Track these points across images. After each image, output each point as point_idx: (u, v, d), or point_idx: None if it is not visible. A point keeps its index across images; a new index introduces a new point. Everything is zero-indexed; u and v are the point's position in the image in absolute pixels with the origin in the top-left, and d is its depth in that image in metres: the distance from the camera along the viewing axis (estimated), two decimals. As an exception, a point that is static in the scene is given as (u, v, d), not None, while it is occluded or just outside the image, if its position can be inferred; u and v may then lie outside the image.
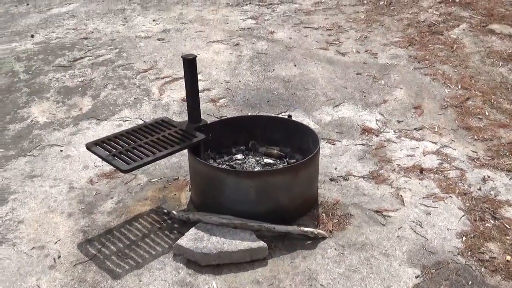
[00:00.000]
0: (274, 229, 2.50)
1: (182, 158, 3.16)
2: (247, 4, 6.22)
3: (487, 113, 3.64)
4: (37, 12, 6.28)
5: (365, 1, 6.09)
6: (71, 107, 3.88)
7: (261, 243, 2.40)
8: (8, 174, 3.12)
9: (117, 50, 4.83)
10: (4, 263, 2.40)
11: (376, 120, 3.61)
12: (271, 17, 5.71)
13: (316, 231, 2.50)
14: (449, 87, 4.01)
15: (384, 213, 2.67)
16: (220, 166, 2.83)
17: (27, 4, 6.64)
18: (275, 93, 4.02)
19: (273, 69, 4.39)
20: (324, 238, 2.50)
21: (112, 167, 3.03)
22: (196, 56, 2.74)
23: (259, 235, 2.46)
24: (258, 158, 2.95)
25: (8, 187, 2.99)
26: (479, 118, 3.59)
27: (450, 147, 3.26)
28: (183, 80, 4.16)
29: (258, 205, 2.55)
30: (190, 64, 2.70)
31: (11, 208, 2.79)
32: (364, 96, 3.93)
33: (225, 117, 3.57)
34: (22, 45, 5.10)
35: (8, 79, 4.36)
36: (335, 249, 2.44)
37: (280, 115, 3.67)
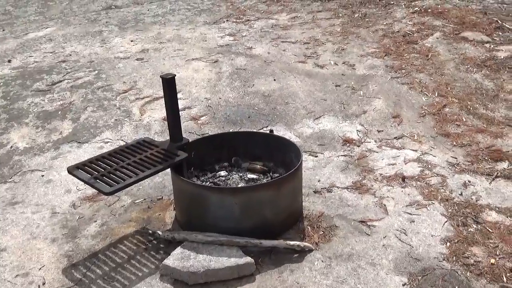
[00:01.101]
0: (261, 244, 2.50)
1: (165, 177, 3.15)
2: (224, 22, 6.28)
3: (464, 119, 3.71)
4: (14, 37, 6.24)
5: (340, 14, 6.19)
6: (51, 131, 3.84)
7: (248, 259, 2.40)
8: (-11, 202, 3.07)
9: (96, 72, 4.82)
10: (-14, 294, 2.35)
11: (357, 130, 3.65)
12: (249, 33, 5.76)
13: (302, 244, 2.51)
14: (426, 95, 4.08)
15: (368, 223, 2.69)
16: (203, 183, 2.83)
17: (3, 30, 6.60)
18: (256, 108, 4.04)
19: (253, 84, 4.42)
20: (310, 250, 2.51)
21: (94, 190, 3.02)
22: (175, 75, 2.75)
23: (245, 251, 2.46)
24: (241, 174, 2.96)
25: (-12, 215, 2.94)
26: (456, 124, 3.66)
27: (430, 154, 3.31)
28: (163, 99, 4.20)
29: (243, 221, 2.55)
30: (169, 83, 2.71)
31: (-8, 237, 2.75)
32: (344, 108, 3.98)
33: (207, 135, 3.57)
34: (-1, 71, 5.06)
35: (-14, 105, 4.32)
36: (322, 261, 2.44)
37: (261, 130, 3.69)
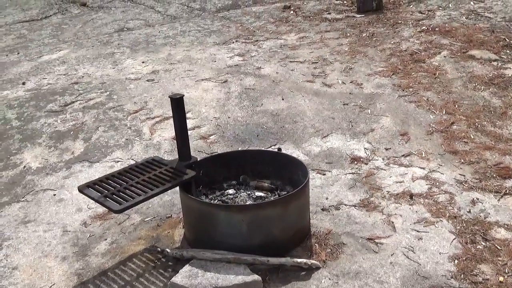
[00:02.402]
0: (268, 262, 2.51)
1: (175, 196, 3.19)
2: (233, 42, 6.38)
3: (472, 137, 3.72)
4: (28, 60, 6.39)
5: (348, 34, 6.26)
6: (63, 151, 3.92)
7: (256, 277, 2.41)
8: (2, 220, 3.13)
9: (108, 93, 4.92)
10: (-2, 311, 2.39)
11: (365, 148, 3.67)
12: (258, 53, 5.84)
13: (309, 261, 2.52)
14: (434, 113, 4.10)
15: (376, 240, 2.70)
16: (212, 201, 2.86)
17: (18, 53, 6.77)
18: (264, 127, 4.09)
19: (262, 104, 4.48)
20: (318, 268, 2.52)
21: (105, 208, 3.07)
22: (183, 95, 2.81)
23: (253, 269, 2.48)
24: (249, 192, 2.99)
25: (2, 233, 2.99)
26: (464, 141, 3.66)
27: (438, 172, 3.31)
28: (173, 119, 4.26)
29: (251, 239, 2.57)
30: (177, 103, 2.77)
31: (5, 255, 2.79)
32: (352, 126, 4.01)
33: (216, 153, 3.62)
34: (14, 93, 5.18)
35: (1, 126, 4.41)
36: (329, 278, 2.45)
37: (270, 149, 3.73)
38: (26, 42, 7.36)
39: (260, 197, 2.94)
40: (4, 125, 4.43)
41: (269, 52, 5.88)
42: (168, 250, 2.66)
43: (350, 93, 4.58)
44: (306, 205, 2.77)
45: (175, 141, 3.91)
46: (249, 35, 6.66)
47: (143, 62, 5.79)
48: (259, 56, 5.74)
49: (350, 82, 4.81)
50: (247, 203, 2.81)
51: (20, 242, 2.90)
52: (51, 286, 2.51)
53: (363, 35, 6.15)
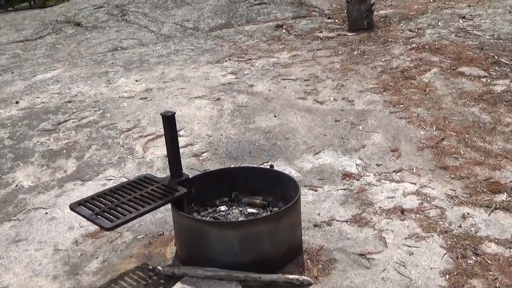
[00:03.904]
0: (260, 279, 2.51)
1: (167, 213, 3.19)
2: (226, 61, 6.44)
3: (462, 152, 3.75)
4: (22, 79, 6.42)
5: (339, 52, 6.34)
6: (55, 170, 3.92)
7: (247, 294, 2.41)
8: (-7, 240, 3.12)
9: (101, 111, 4.94)
10: (-13, 331, 2.36)
11: (356, 164, 3.70)
12: (250, 71, 5.90)
13: (301, 278, 2.52)
14: (424, 128, 4.14)
15: (368, 256, 2.70)
16: (203, 218, 2.87)
17: (12, 72, 6.80)
18: (257, 144, 4.11)
19: (254, 121, 4.51)
20: (309, 284, 2.52)
21: (97, 227, 3.06)
22: (175, 113, 2.84)
23: (245, 286, 2.47)
24: (241, 209, 2.99)
25: (-8, 253, 2.98)
26: (455, 157, 3.69)
27: (429, 187, 3.33)
28: (166, 136, 4.28)
29: (242, 255, 2.57)
30: (169, 121, 2.80)
31: (-5, 275, 2.78)
32: (343, 142, 4.04)
33: (208, 170, 3.63)
34: (7, 112, 5.19)
35: (-7, 145, 4.42)
36: (321, 295, 2.44)
37: (262, 166, 3.74)
38: (21, 61, 7.40)
39: (252, 213, 2.95)
40: (-4, 144, 4.43)
41: (261, 70, 5.94)
42: (160, 268, 2.65)
43: (341, 110, 4.63)
44: (297, 221, 2.78)
45: (167, 158, 3.93)
46: (242, 54, 6.73)
47: (136, 81, 5.83)
48: (251, 74, 5.80)
49: (342, 99, 4.86)
50: (236, 220, 2.81)
51: (11, 261, 2.88)
52: (41, 306, 2.50)
53: (355, 53, 6.23)
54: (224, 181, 3.13)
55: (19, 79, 6.43)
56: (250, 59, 6.44)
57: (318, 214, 3.13)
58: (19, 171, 3.95)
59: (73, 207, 2.64)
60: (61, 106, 5.16)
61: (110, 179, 3.71)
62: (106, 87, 5.71)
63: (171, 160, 2.85)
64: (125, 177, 3.73)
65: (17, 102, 5.46)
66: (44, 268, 2.80)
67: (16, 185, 3.75)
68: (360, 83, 5.21)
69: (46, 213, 3.35)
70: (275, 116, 4.57)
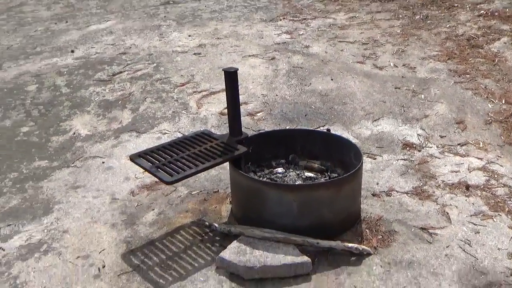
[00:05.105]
0: (318, 244, 2.46)
1: (221, 171, 3.16)
2: (281, 20, 6.25)
3: (533, 129, 3.53)
4: (76, 29, 6.45)
5: (400, 16, 6.04)
6: (111, 120, 3.94)
7: (305, 258, 2.36)
8: (53, 184, 3.18)
9: (155, 64, 4.91)
10: (51, 272, 2.42)
11: (418, 134, 3.54)
12: (306, 32, 5.71)
13: (360, 247, 2.45)
14: (492, 101, 3.91)
15: (430, 231, 2.60)
16: (261, 179, 2.81)
17: (66, 22, 6.84)
18: (313, 107, 4.00)
19: (310, 83, 4.38)
20: (369, 254, 2.45)
21: (153, 179, 3.07)
22: (237, 69, 2.75)
23: (301, 250, 2.43)
24: (298, 172, 2.92)
25: (52, 197, 3.04)
26: (525, 133, 3.48)
27: (497, 164, 3.16)
28: (220, 94, 4.23)
29: (300, 220, 2.52)
30: (231, 77, 2.72)
31: (56, 218, 2.84)
32: (404, 111, 3.87)
33: (264, 130, 3.56)
34: (63, 60, 5.24)
35: (51, 93, 4.48)
36: (381, 266, 2.37)
37: (318, 129, 3.64)
38: (74, 11, 7.43)
39: (310, 177, 2.87)
40: (54, 92, 4.49)
41: (317, 31, 5.74)
42: (216, 225, 2.64)
43: (402, 77, 4.42)
44: (358, 189, 2.69)
45: (222, 116, 3.88)
46: (297, 13, 6.52)
47: (189, 36, 5.75)
48: (307, 35, 5.61)
49: (403, 65, 4.64)
50: (299, 183, 2.75)
51: (70, 206, 2.94)
52: (100, 252, 2.54)
53: (416, 17, 5.92)
54: (281, 142, 3.05)
55: (74, 28, 6.46)
56: (305, 19, 6.23)
57: (377, 184, 3.02)
58: (76, 119, 3.99)
59: (133, 159, 2.63)
60: (116, 58, 5.16)
61: (165, 133, 3.70)
62: (159, 40, 5.66)
63: (232, 118, 2.79)
64: (179, 131, 3.72)
65: (72, 51, 5.50)
66: (102, 215, 2.84)
67: (74, 133, 3.80)
68: (422, 50, 4.95)
69: (103, 162, 3.38)
70: (332, 79, 4.42)
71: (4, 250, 2.62)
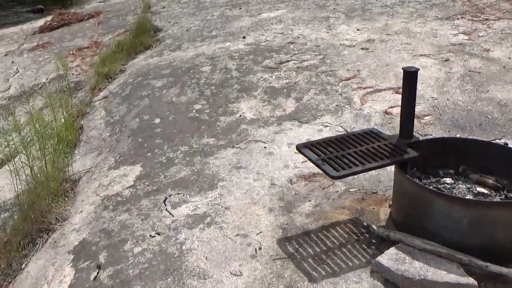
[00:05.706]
0: (487, 268, 2.24)
1: (381, 172, 3.06)
2: (458, 19, 5.80)
3: None
4: (249, 15, 6.76)
5: None
6: (275, 107, 4.06)
7: (471, 280, 2.18)
8: (218, 162, 3.39)
9: (321, 56, 4.92)
10: (212, 244, 2.59)
11: None
12: (487, 34, 5.22)
13: (538, 280, 2.17)
14: None
15: None
16: (428, 187, 2.65)
17: (240, 8, 7.21)
18: (489, 116, 3.65)
19: (487, 90, 4.00)
20: (548, 291, 2.16)
21: (311, 170, 3.10)
22: (418, 69, 2.62)
23: (466, 270, 2.24)
24: (469, 186, 2.69)
25: (217, 174, 3.25)
26: None
27: None
28: (386, 92, 4.09)
29: (469, 238, 2.32)
30: (411, 77, 2.61)
31: (219, 194, 3.02)
32: None
33: (432, 137, 3.35)
34: (235, 45, 5.54)
35: (222, 75, 4.77)
36: None
37: (494, 142, 3.31)
38: (248, -1, 7.79)
39: (482, 193, 2.62)
40: (225, 74, 4.78)
41: (501, 33, 5.20)
42: (374, 227, 2.56)
43: None
44: (541, 215, 2.38)
45: (386, 115, 3.75)
46: (477, 12, 5.98)
47: (358, 30, 5.65)
48: (488, 37, 5.13)
49: None
50: (471, 198, 2.53)
51: (232, 185, 3.10)
52: (258, 233, 2.64)
53: None
54: (451, 151, 2.84)
55: (247, 15, 6.79)
56: (487, 19, 5.69)
57: None
58: (243, 102, 4.20)
59: (299, 148, 2.68)
60: (284, 46, 5.29)
61: (326, 126, 3.70)
62: (327, 32, 5.66)
63: (405, 119, 2.67)
64: (341, 126, 3.68)
65: (244, 37, 5.78)
66: (261, 198, 2.95)
67: (240, 115, 4.00)
68: None
69: (265, 147, 3.50)
70: (514, 88, 3.98)
71: (173, 216, 2.87)
